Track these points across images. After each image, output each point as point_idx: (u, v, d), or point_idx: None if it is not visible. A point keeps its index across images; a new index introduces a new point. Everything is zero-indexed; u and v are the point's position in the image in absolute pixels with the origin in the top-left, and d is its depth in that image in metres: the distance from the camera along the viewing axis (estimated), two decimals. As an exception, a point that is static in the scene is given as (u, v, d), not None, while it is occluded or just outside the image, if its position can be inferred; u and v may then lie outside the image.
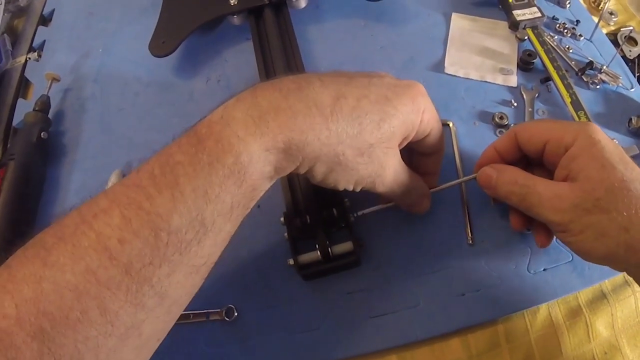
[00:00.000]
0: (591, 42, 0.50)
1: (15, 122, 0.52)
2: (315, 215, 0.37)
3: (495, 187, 0.35)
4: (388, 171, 0.31)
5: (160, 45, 0.48)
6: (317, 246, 0.36)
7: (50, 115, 0.49)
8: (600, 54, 0.50)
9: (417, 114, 0.30)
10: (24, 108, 0.52)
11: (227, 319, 0.37)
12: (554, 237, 0.36)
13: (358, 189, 0.31)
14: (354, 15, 0.52)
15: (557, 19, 0.51)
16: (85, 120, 0.50)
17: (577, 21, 0.52)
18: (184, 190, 0.23)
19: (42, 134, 0.47)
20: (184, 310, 0.36)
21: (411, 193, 0.34)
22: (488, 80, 0.47)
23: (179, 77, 0.51)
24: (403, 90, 0.30)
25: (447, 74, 0.48)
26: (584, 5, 0.54)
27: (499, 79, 0.47)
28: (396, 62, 0.49)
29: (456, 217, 0.40)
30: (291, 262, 0.36)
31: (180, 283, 0.24)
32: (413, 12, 0.52)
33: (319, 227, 0.37)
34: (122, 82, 0.51)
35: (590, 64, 0.47)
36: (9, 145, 0.48)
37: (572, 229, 0.31)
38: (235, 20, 0.51)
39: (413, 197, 0.35)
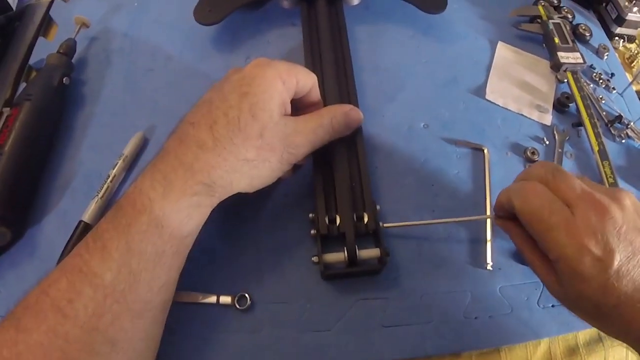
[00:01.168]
0: (622, 96, 0.53)
1: (32, 61, 0.50)
2: (347, 216, 0.37)
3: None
4: (292, 138, 0.34)
5: (206, 13, 0.47)
6: (344, 248, 0.36)
7: (73, 62, 0.47)
8: (629, 110, 0.52)
9: (274, 82, 0.33)
10: (44, 48, 0.50)
11: (238, 307, 0.36)
12: None
13: (290, 167, 0.36)
14: (403, 24, 0.53)
15: (594, 68, 0.54)
16: (110, 73, 0.49)
17: (612, 74, 0.54)
18: (110, 249, 0.28)
19: (64, 79, 0.45)
20: (193, 290, 0.36)
21: (333, 126, 0.37)
22: (524, 114, 0.49)
23: (217, 49, 0.50)
24: (251, 77, 0.33)
25: (487, 100, 0.49)
26: (620, 60, 0.57)
27: (535, 115, 0.49)
28: (438, 79, 0.50)
29: (478, 242, 0.41)
30: (315, 259, 0.36)
31: (126, 328, 0.29)
32: (461, 33, 0.53)
33: (349, 229, 0.37)
34: (154, 42, 0.50)
35: (619, 118, 0.50)
36: (23, 84, 0.47)
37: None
38: (285, 3, 0.51)
39: (339, 125, 0.38)
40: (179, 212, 0.30)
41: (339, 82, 0.44)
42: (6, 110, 0.42)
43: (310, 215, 0.38)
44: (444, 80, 0.50)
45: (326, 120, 0.36)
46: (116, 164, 0.42)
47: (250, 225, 0.40)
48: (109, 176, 0.42)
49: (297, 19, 0.50)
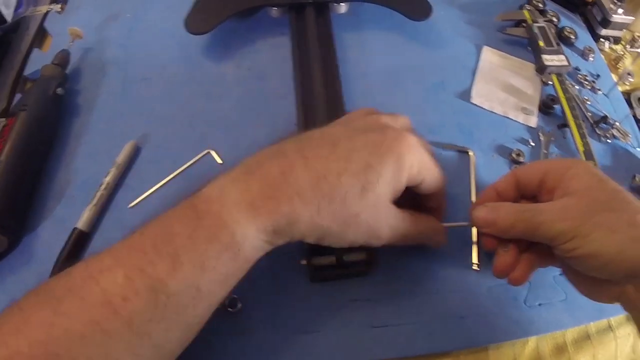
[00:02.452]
0: (607, 97, 0.54)
1: (27, 72, 0.51)
2: None
3: (495, 223, 0.36)
4: (381, 230, 0.33)
5: (197, 23, 0.48)
6: (333, 250, 0.37)
7: (67, 72, 0.49)
8: (614, 110, 0.53)
9: (402, 172, 0.32)
10: (39, 59, 0.51)
11: (229, 309, 0.37)
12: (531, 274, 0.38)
13: (356, 245, 0.33)
14: (391, 30, 0.55)
15: (579, 70, 0.55)
16: (104, 83, 0.50)
17: (598, 75, 0.55)
18: (183, 260, 0.27)
19: (58, 89, 0.47)
20: None
21: (419, 235, 0.36)
22: (510, 117, 0.50)
23: (209, 58, 0.51)
24: (386, 151, 0.31)
25: (473, 103, 0.50)
26: (606, 62, 0.58)
27: (520, 118, 0.50)
28: (427, 83, 0.51)
29: (466, 243, 0.42)
30: (304, 262, 0.37)
31: (175, 338, 0.28)
32: (447, 38, 0.55)
33: None
34: (149, 52, 0.52)
35: (604, 118, 0.51)
36: (18, 95, 0.48)
37: (582, 232, 0.32)
38: (274, 12, 0.52)
39: (423, 238, 0.37)
40: (257, 241, 0.29)
41: (326, 90, 0.45)
42: (2, 121, 0.44)
43: None
44: (431, 85, 0.51)
45: (420, 226, 0.35)
46: (109, 172, 0.43)
47: None
48: (102, 184, 0.43)
49: (287, 28, 0.51)
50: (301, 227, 0.30)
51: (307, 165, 0.30)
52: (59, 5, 0.56)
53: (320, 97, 0.44)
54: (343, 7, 0.53)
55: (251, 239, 0.29)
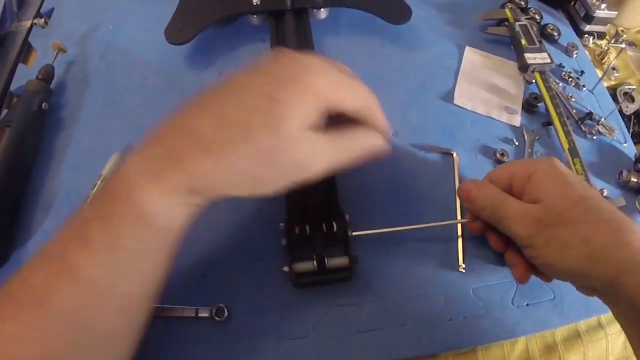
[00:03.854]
0: (592, 93, 0.54)
1: (12, 87, 0.51)
2: (315, 226, 0.39)
3: (474, 199, 0.38)
4: (308, 160, 0.30)
5: (177, 33, 0.49)
6: (313, 256, 0.38)
7: (52, 86, 0.49)
8: (600, 106, 0.53)
9: (312, 97, 0.29)
10: (24, 73, 0.52)
11: (216, 318, 0.38)
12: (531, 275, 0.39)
13: (294, 185, 0.31)
14: (372, 34, 0.55)
15: (564, 67, 0.55)
16: (88, 95, 0.50)
17: (582, 72, 0.55)
18: (94, 243, 0.27)
19: (42, 104, 0.47)
20: (176, 304, 0.38)
21: (357, 153, 0.33)
22: (493, 117, 0.50)
23: (190, 67, 0.52)
24: (290, 81, 0.29)
25: (456, 104, 0.51)
26: (590, 57, 0.58)
27: (504, 117, 0.50)
28: (409, 85, 0.51)
29: (450, 244, 0.42)
30: (286, 269, 0.38)
31: (110, 320, 0.28)
32: (429, 40, 0.55)
33: (317, 238, 0.38)
34: (130, 63, 0.52)
35: (589, 115, 0.51)
36: (6, 110, 0.49)
37: (536, 243, 0.34)
38: (255, 20, 0.52)
39: (363, 154, 0.34)
40: (171, 208, 0.28)
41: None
42: (-12, 137, 0.44)
43: (281, 224, 0.39)
44: (413, 87, 0.51)
45: (354, 147, 0.33)
46: (95, 185, 0.44)
47: (224, 239, 0.41)
48: (88, 197, 0.43)
49: (267, 35, 0.51)
50: (218, 180, 0.29)
51: (205, 113, 0.29)
52: (43, 19, 0.56)
53: None
54: (323, 13, 0.53)
55: (163, 206, 0.28)
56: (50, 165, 0.46)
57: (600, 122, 0.51)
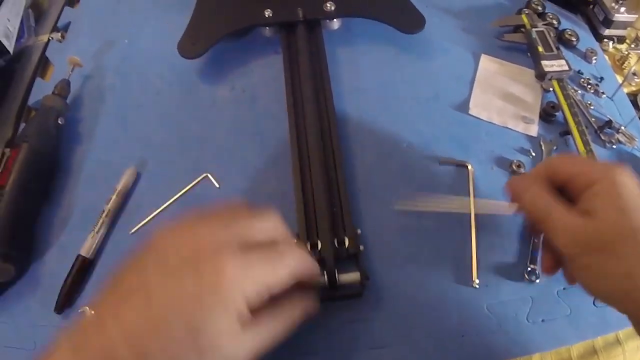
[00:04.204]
0: (612, 100, 0.53)
1: (30, 101, 0.53)
2: (327, 241, 0.39)
3: (520, 200, 0.36)
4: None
5: (189, 47, 0.50)
6: (324, 272, 0.38)
7: (68, 101, 0.50)
8: (620, 114, 0.52)
9: (235, 309, 0.27)
10: (41, 88, 0.53)
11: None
12: (559, 269, 0.37)
13: None
14: (385, 43, 0.55)
15: (582, 74, 0.54)
16: (103, 111, 0.51)
17: (601, 78, 0.54)
18: None
19: (59, 119, 0.48)
20: None
21: (283, 330, 0.32)
22: (509, 127, 0.50)
23: (203, 81, 0.52)
24: (207, 301, 0.27)
25: (471, 115, 0.50)
26: (609, 63, 0.57)
27: (520, 127, 0.50)
28: (421, 96, 0.51)
29: (463, 259, 0.42)
30: None
31: None
32: (443, 49, 0.55)
33: (328, 253, 0.38)
34: (144, 78, 0.53)
35: (609, 123, 0.50)
36: (23, 124, 0.50)
37: (578, 263, 0.33)
38: (267, 32, 0.53)
39: (290, 326, 0.33)
40: None
41: (318, 108, 0.46)
42: (6, 152, 0.45)
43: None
44: (426, 97, 0.51)
45: (285, 327, 0.32)
46: (110, 199, 0.45)
47: None
48: (103, 211, 0.44)
49: (280, 47, 0.52)
50: None
51: (127, 340, 0.26)
52: (60, 34, 0.57)
53: (311, 115, 0.45)
54: (335, 24, 0.53)
55: None
56: (68, 180, 0.47)
57: (620, 131, 0.50)
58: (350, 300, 0.40)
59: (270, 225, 0.33)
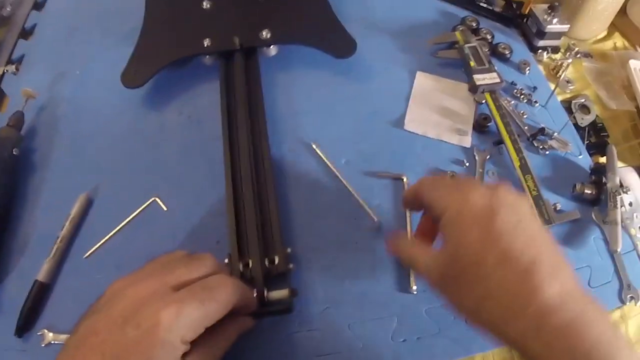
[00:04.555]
0: (545, 108, 0.56)
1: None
2: (255, 261, 0.41)
3: (396, 254, 0.41)
4: None
5: (132, 76, 0.52)
6: (254, 290, 0.40)
7: (22, 131, 0.52)
8: (553, 121, 0.56)
9: (171, 354, 0.31)
10: (-2, 119, 0.55)
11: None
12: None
13: None
14: (322, 67, 0.57)
15: (516, 85, 0.58)
16: (57, 140, 0.53)
17: (535, 87, 0.58)
18: None
19: (13, 150, 0.50)
20: None
21: (224, 349, 0.36)
22: (444, 139, 0.53)
23: (151, 108, 0.55)
24: (145, 351, 0.30)
25: (406, 130, 0.53)
26: (543, 72, 0.61)
27: (455, 139, 0.53)
28: (360, 114, 0.54)
29: (402, 268, 0.45)
30: None
31: None
32: (380, 68, 0.58)
33: (256, 273, 0.41)
34: (95, 107, 0.55)
35: (541, 131, 0.53)
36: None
37: (443, 296, 0.34)
38: (207, 60, 0.56)
39: (230, 344, 0.36)
40: None
41: (252, 132, 0.49)
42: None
43: (226, 260, 0.42)
44: (364, 115, 0.54)
45: (222, 348, 0.35)
46: (64, 226, 0.47)
47: None
48: (58, 237, 0.46)
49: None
50: None
51: None
52: (14, 66, 0.60)
53: (244, 139, 0.47)
54: (272, 50, 0.56)
55: None
56: (25, 207, 0.49)
57: (553, 137, 0.53)
58: (298, 312, 0.42)
59: (202, 264, 0.36)
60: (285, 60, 0.58)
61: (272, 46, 0.56)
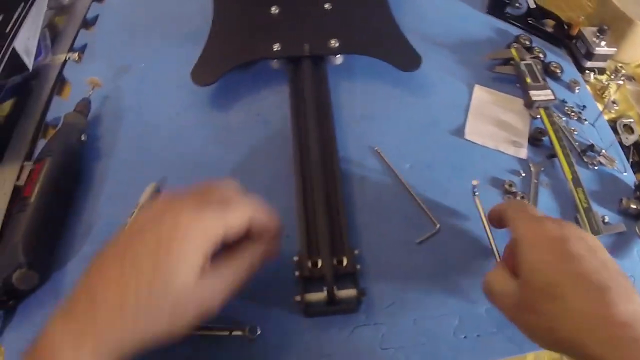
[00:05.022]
0: (594, 126, 0.59)
1: (48, 118, 0.56)
2: (326, 262, 0.43)
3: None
4: (209, 303, 0.34)
5: (201, 75, 0.54)
6: (324, 288, 0.42)
7: (88, 119, 0.54)
8: (601, 138, 0.58)
9: (193, 252, 0.32)
10: (59, 105, 0.57)
11: (249, 336, 0.42)
12: None
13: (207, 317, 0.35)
14: (386, 77, 0.60)
15: (566, 102, 0.60)
16: (122, 130, 0.55)
17: (584, 106, 0.61)
18: None
19: (82, 135, 0.52)
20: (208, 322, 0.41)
21: (248, 273, 0.37)
22: (501, 150, 0.55)
23: (217, 106, 0.57)
24: (171, 238, 0.32)
25: (467, 139, 0.56)
26: (591, 92, 0.64)
27: (511, 150, 0.55)
28: (420, 122, 0.57)
29: (468, 271, 0.47)
30: (298, 298, 0.42)
31: None
32: (440, 80, 0.61)
33: (327, 272, 0.42)
34: (160, 101, 0.57)
35: (591, 147, 0.56)
36: (42, 139, 0.54)
37: (516, 323, 0.36)
38: (274, 64, 0.58)
39: (253, 269, 0.37)
40: None
41: (321, 134, 0.50)
42: (28, 164, 0.49)
43: (295, 258, 0.44)
44: (425, 124, 0.56)
45: (244, 271, 0.37)
46: (133, 212, 0.48)
47: None
48: (126, 223, 0.48)
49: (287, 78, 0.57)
50: (130, 344, 0.31)
51: (107, 287, 0.32)
52: (77, 54, 0.61)
53: (314, 140, 0.49)
54: (339, 59, 0.58)
55: None
56: (90, 194, 0.51)
57: (601, 154, 0.56)
58: (364, 307, 0.43)
59: (225, 186, 0.38)
60: (350, 69, 0.61)
61: (337, 55, 0.58)
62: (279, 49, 0.56)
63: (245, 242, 0.38)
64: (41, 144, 0.54)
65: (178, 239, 0.32)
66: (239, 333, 0.42)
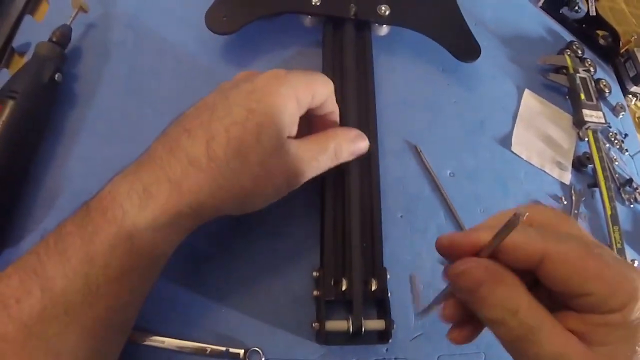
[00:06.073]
0: (633, 159, 0.55)
1: (16, 43, 0.45)
2: (357, 283, 0.35)
3: (482, 301, 0.24)
4: (296, 167, 0.32)
5: (219, 20, 0.44)
6: (349, 317, 0.35)
7: (66, 52, 0.43)
8: (637, 173, 0.55)
9: (285, 104, 0.31)
10: (31, 28, 0.45)
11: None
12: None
13: (286, 193, 0.34)
14: (433, 60, 0.52)
15: (610, 127, 0.56)
16: (108, 70, 0.44)
17: (626, 134, 0.56)
18: (69, 255, 0.27)
19: (56, 75, 0.41)
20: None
21: (337, 150, 0.35)
22: (546, 170, 0.50)
23: (233, 59, 0.47)
24: (261, 93, 0.31)
25: (512, 152, 0.50)
26: (632, 120, 0.59)
27: (555, 172, 0.50)
28: (467, 122, 0.50)
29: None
30: (316, 325, 0.35)
31: (73, 343, 0.27)
32: (490, 75, 0.54)
33: (357, 298, 0.35)
34: (163, 39, 0.46)
35: (630, 181, 0.52)
36: (5, 70, 0.43)
37: None
38: (308, 21, 0.49)
39: (344, 151, 0.36)
40: (155, 231, 0.29)
41: (360, 122, 0.42)
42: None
43: (315, 273, 0.37)
44: (471, 125, 0.50)
45: (331, 147, 0.35)
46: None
47: (250, 279, 0.38)
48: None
49: (320, 38, 0.48)
50: (208, 199, 0.30)
51: (191, 135, 0.30)
52: (58, -34, 0.49)
53: (351, 123, 0.41)
54: (384, 29, 0.50)
55: (147, 228, 0.28)
56: (56, 152, 0.40)
57: (637, 190, 0.52)
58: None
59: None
60: (394, 43, 0.52)
61: (384, 25, 0.49)
62: (319, 3, 0.46)
63: (330, 130, 0.36)
64: (3, 75, 0.42)
65: (272, 93, 0.31)
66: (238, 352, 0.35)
